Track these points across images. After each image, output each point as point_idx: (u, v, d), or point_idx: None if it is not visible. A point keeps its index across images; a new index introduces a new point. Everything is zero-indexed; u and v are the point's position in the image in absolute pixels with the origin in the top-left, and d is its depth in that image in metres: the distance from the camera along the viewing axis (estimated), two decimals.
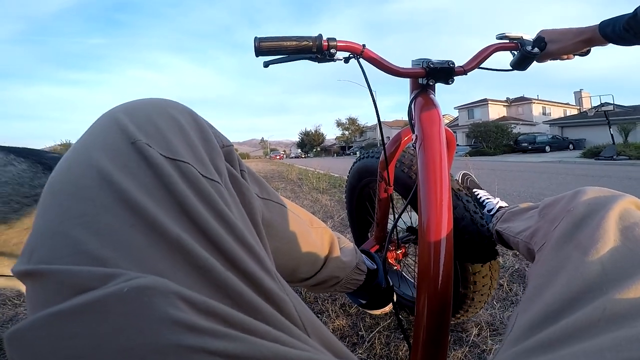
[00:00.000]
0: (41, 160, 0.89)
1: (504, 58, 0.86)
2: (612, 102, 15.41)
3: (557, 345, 0.29)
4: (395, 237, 1.00)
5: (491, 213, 0.98)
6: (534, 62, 0.82)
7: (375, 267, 0.86)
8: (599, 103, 16.38)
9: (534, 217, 0.63)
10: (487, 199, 1.05)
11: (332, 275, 0.71)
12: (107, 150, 0.28)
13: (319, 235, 0.67)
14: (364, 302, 0.90)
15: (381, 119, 0.75)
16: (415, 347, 0.51)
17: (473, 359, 0.93)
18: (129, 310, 0.20)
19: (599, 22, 0.71)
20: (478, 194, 1.09)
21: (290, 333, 0.26)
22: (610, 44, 0.72)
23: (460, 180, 1.17)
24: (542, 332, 0.32)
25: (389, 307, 0.96)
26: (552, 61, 0.83)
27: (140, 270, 0.23)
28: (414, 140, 0.68)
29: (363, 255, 0.86)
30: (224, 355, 0.20)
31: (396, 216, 0.81)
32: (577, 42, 0.75)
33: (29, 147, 0.96)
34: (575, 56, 0.82)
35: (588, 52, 0.80)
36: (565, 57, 0.81)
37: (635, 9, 0.63)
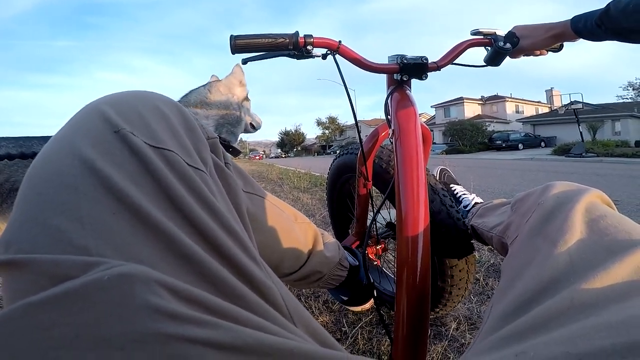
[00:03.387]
0: None
1: (479, 54, 0.87)
2: (581, 101, 16.04)
3: (529, 333, 0.30)
4: (375, 233, 1.00)
5: (467, 209, 1.00)
6: (508, 58, 0.83)
7: (357, 263, 0.87)
8: (569, 101, 17.04)
9: (506, 212, 0.64)
10: (464, 194, 1.07)
11: (315, 270, 0.71)
12: (90, 139, 0.27)
13: (303, 230, 0.68)
14: (345, 298, 0.90)
15: (360, 118, 0.77)
16: (396, 341, 0.51)
17: (452, 353, 0.95)
18: (109, 299, 0.19)
19: (570, 17, 0.72)
20: (455, 190, 1.11)
21: (275, 321, 0.25)
22: (581, 40, 0.73)
23: (437, 176, 1.18)
24: (514, 322, 0.32)
25: (369, 304, 0.97)
26: (525, 57, 0.84)
27: (123, 258, 0.22)
28: (390, 135, 0.69)
29: (345, 251, 0.87)
30: (205, 343, 0.19)
31: (375, 211, 0.82)
32: (548, 38, 0.76)
33: None
34: (548, 52, 0.83)
35: (560, 47, 0.81)
36: (538, 52, 0.82)
37: (608, 4, 0.63)
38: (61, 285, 0.20)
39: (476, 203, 1.01)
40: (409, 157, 0.60)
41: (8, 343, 0.18)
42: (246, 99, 1.31)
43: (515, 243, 0.50)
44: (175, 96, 1.28)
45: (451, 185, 1.14)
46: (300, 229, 0.68)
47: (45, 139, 1.01)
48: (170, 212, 0.26)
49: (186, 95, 1.25)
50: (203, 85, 1.27)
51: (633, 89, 21.81)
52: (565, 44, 0.80)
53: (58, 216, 0.23)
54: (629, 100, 22.62)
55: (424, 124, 0.87)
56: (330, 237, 0.80)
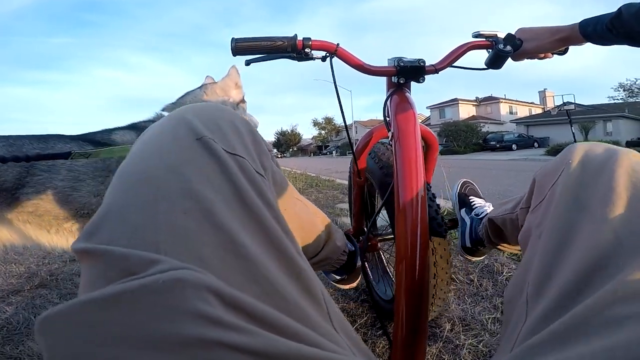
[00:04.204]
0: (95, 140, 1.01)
1: (482, 56, 0.86)
2: (573, 102, 16.22)
3: (567, 338, 0.26)
4: (372, 234, 1.03)
5: (479, 216, 0.97)
6: (511, 61, 0.82)
7: (354, 249, 0.96)
8: (562, 102, 17.21)
9: (525, 191, 0.58)
10: (479, 205, 1.04)
11: (327, 257, 0.81)
12: (175, 144, 0.32)
13: (321, 222, 0.76)
14: (339, 277, 0.98)
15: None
16: (395, 342, 0.52)
17: (447, 354, 0.96)
18: (160, 302, 0.21)
19: (578, 21, 0.70)
20: (472, 201, 1.07)
21: (308, 321, 0.27)
22: (588, 44, 0.72)
23: (459, 188, 1.14)
24: (553, 324, 0.28)
25: (356, 282, 1.03)
26: (529, 60, 0.82)
27: (185, 255, 0.25)
28: (390, 137, 0.70)
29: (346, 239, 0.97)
30: (242, 349, 0.20)
31: (375, 213, 0.85)
32: (554, 41, 0.75)
33: None
34: (554, 55, 0.81)
35: (566, 51, 0.80)
36: (543, 55, 0.80)
37: (619, 8, 0.62)
38: (119, 284, 0.21)
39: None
40: (408, 159, 0.60)
41: (60, 335, 0.20)
42: (242, 100, 1.31)
43: (542, 206, 0.43)
44: (173, 95, 1.29)
45: (470, 197, 1.09)
46: (319, 221, 0.75)
47: (36, 137, 0.99)
48: (240, 211, 0.30)
49: (182, 96, 1.26)
50: (199, 87, 1.28)
51: (624, 90, 22.08)
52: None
53: (137, 212, 0.26)
54: (620, 101, 22.89)
55: (430, 130, 0.88)
56: (337, 228, 0.88)
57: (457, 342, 1.00)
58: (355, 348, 0.30)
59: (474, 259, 1.00)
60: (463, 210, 1.04)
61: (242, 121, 0.39)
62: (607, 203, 0.33)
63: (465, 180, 1.17)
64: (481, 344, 0.99)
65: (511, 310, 0.38)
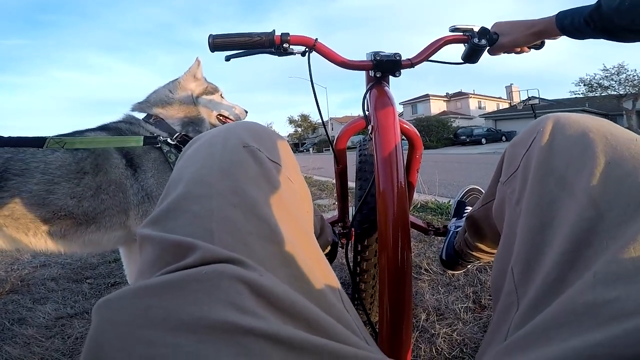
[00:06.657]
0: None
1: (459, 50, 0.86)
2: (537, 96, 16.84)
3: (550, 333, 0.24)
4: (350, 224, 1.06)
5: (457, 230, 0.93)
6: (488, 56, 0.83)
7: (336, 240, 1.03)
8: (527, 97, 17.85)
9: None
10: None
11: None
12: (226, 150, 0.37)
13: (317, 217, 0.81)
14: None
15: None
16: (381, 333, 0.52)
17: (424, 343, 0.99)
18: (199, 289, 0.23)
19: (555, 14, 0.70)
20: (466, 211, 1.01)
21: (327, 304, 0.30)
22: (563, 37, 0.72)
23: (463, 194, 1.07)
24: (540, 314, 0.26)
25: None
26: (506, 54, 0.82)
27: (234, 240, 0.29)
28: (370, 131, 0.71)
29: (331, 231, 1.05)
30: (256, 332, 0.22)
31: (357, 206, 0.88)
32: (530, 34, 0.75)
33: None
34: (531, 49, 0.82)
35: (542, 44, 0.80)
36: (519, 49, 0.80)
37: (598, 1, 0.62)
38: (169, 275, 0.25)
39: None
40: (388, 153, 0.61)
41: (110, 317, 0.22)
42: (207, 92, 1.27)
43: (516, 178, 0.41)
44: (140, 95, 1.24)
45: (467, 208, 1.03)
46: (317, 218, 0.80)
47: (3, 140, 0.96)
48: (278, 206, 0.35)
49: (148, 96, 1.22)
50: (164, 85, 1.24)
51: (584, 85, 23.02)
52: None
53: (196, 204, 0.31)
54: (581, 96, 23.94)
55: (413, 127, 0.88)
56: (326, 222, 0.95)
57: (433, 331, 1.04)
58: (360, 328, 0.32)
59: (450, 272, 0.99)
60: (454, 219, 1.00)
61: (282, 138, 0.47)
62: (585, 172, 0.31)
63: (473, 187, 1.09)
64: (455, 332, 1.03)
65: (498, 296, 0.36)
